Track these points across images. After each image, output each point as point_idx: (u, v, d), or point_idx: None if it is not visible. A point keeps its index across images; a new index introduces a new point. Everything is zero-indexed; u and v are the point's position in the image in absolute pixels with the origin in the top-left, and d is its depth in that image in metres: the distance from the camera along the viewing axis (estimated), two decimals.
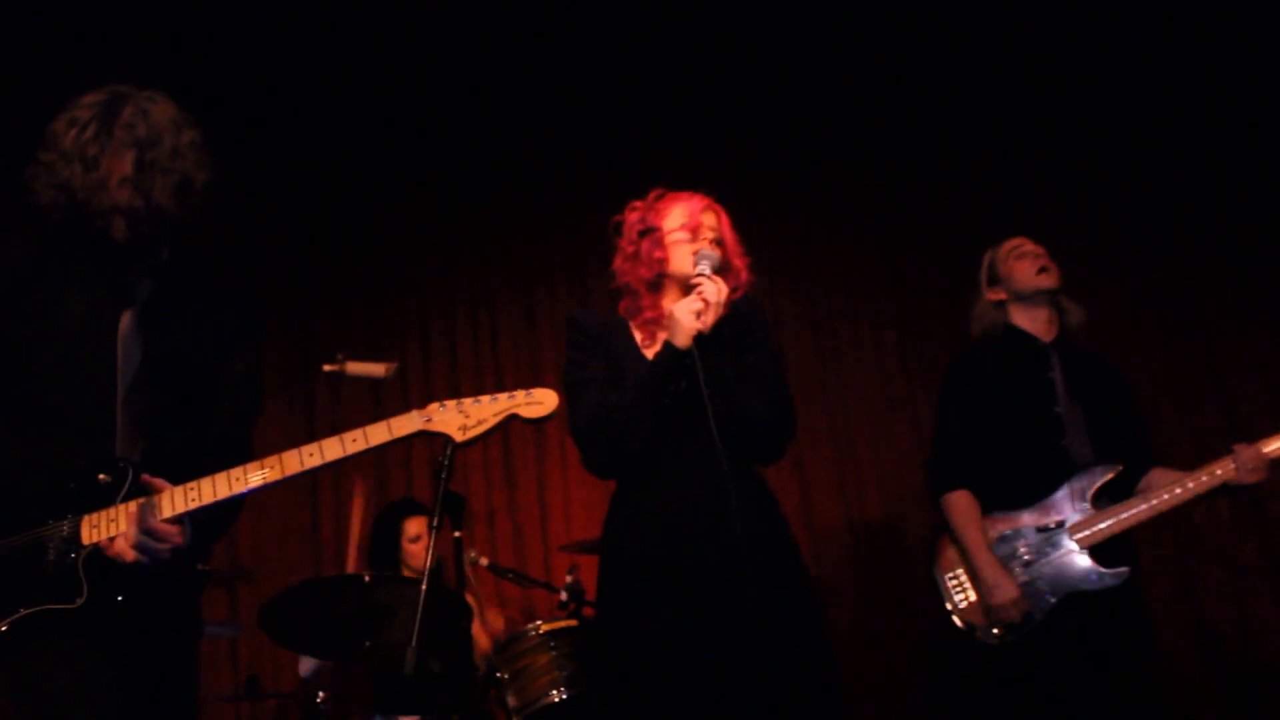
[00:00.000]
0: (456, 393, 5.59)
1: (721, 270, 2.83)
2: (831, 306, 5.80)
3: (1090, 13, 5.57)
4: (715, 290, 2.72)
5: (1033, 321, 3.75)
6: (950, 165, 5.81)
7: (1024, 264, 3.74)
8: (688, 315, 2.69)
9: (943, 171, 5.82)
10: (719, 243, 2.89)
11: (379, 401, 5.66)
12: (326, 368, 4.12)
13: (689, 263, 2.83)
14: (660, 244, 2.91)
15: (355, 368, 4.12)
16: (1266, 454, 3.44)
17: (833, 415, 5.58)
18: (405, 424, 2.23)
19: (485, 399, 2.27)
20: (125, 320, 2.24)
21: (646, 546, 2.76)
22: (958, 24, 5.68)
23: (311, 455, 2.20)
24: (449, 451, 3.36)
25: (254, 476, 2.15)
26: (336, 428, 5.62)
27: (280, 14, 5.32)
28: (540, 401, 2.28)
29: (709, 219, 2.93)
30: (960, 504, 3.61)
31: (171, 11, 5.08)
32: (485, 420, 2.25)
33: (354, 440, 2.20)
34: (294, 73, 5.67)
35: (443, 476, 3.45)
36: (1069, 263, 3.91)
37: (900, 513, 5.39)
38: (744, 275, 2.95)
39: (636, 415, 2.75)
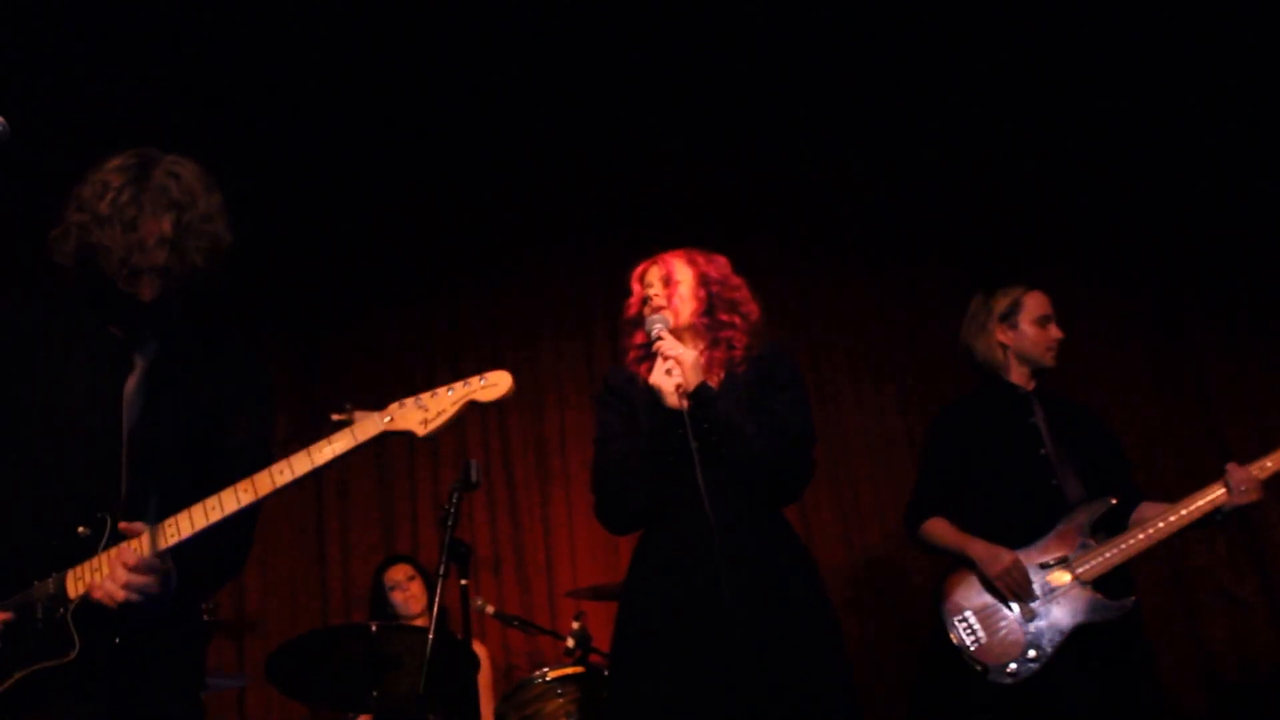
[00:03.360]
0: (462, 443, 5.65)
1: (690, 306, 2.99)
2: (831, 346, 5.84)
3: (1090, 61, 5.63)
4: (671, 345, 2.87)
5: (1018, 376, 3.89)
6: (950, 208, 5.86)
7: (1044, 337, 3.84)
8: (664, 379, 2.82)
9: (942, 214, 5.87)
10: (667, 281, 3.02)
11: (385, 451, 5.67)
12: (335, 417, 4.14)
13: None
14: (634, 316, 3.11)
15: (363, 417, 4.14)
16: (1257, 475, 3.52)
17: (833, 456, 5.58)
18: (368, 427, 2.25)
19: (441, 390, 2.28)
20: (131, 382, 2.26)
21: (658, 589, 2.84)
22: (957, 75, 5.74)
23: (282, 473, 2.21)
24: (454, 499, 3.39)
25: (229, 502, 2.16)
26: (342, 478, 5.66)
27: (289, 56, 5.37)
28: (495, 384, 2.27)
29: (652, 274, 3.08)
30: (938, 525, 3.77)
31: (167, 65, 5.14)
32: (445, 410, 2.26)
33: (320, 451, 2.23)
34: (300, 117, 5.69)
35: (449, 525, 3.48)
36: (1066, 308, 4.01)
37: (902, 553, 5.37)
38: (709, 294, 3.03)
39: (636, 476, 2.88)
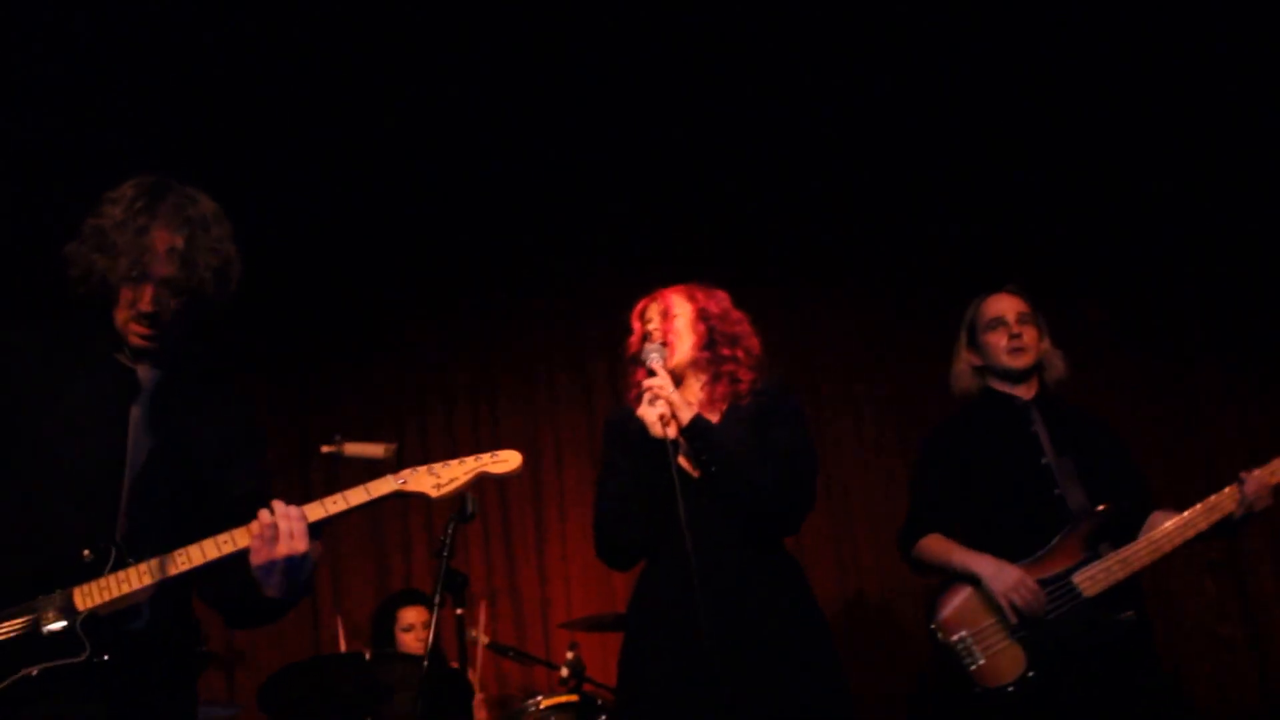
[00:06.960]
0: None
1: (688, 340, 3.03)
2: (825, 381, 5.85)
3: (1077, 76, 5.64)
4: (658, 381, 2.89)
5: (1010, 387, 3.75)
6: (940, 235, 5.86)
7: (999, 341, 3.71)
8: (647, 410, 2.87)
9: (932, 240, 5.87)
10: (665, 315, 3.07)
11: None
12: (324, 449, 4.15)
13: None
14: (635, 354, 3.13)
15: (353, 449, 4.14)
16: (1269, 479, 3.39)
17: (829, 490, 5.58)
18: (381, 486, 2.31)
19: (454, 462, 2.39)
20: (135, 412, 2.29)
21: (652, 629, 2.89)
22: (951, 102, 5.76)
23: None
24: (450, 530, 3.41)
25: (241, 540, 2.21)
26: None
27: (281, 102, 5.43)
28: (505, 460, 2.41)
29: (651, 309, 3.13)
30: (934, 541, 3.62)
31: (167, 102, 5.20)
32: (456, 479, 2.36)
33: (334, 502, 2.27)
34: (293, 153, 5.71)
35: (444, 555, 3.49)
36: (1058, 332, 3.90)
37: (896, 588, 5.40)
38: (708, 329, 3.06)
39: (630, 512, 2.94)
